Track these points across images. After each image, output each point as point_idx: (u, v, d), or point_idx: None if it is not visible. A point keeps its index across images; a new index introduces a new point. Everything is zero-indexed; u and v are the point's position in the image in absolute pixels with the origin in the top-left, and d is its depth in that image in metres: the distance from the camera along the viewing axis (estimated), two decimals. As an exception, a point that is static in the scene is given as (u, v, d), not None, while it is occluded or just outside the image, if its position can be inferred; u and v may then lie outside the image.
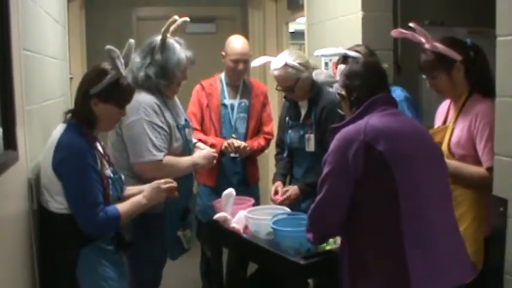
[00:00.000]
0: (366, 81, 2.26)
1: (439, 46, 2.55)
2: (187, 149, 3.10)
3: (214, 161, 3.28)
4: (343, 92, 2.32)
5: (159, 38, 3.01)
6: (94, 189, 2.35)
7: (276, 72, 3.33)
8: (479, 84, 2.56)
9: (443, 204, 2.18)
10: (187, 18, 3.10)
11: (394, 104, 2.29)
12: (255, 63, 3.58)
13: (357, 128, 2.13)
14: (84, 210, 2.33)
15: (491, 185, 2.38)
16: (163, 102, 2.99)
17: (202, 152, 3.21)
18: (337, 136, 2.18)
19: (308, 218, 2.31)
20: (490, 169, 2.43)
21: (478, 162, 2.48)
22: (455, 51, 2.55)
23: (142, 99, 2.90)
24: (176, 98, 3.19)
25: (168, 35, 3.01)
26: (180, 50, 3.01)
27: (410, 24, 2.59)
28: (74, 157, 2.34)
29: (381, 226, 2.11)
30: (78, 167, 2.34)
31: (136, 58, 2.96)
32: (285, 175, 3.66)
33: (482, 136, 2.46)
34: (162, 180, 2.65)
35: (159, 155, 2.88)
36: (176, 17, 3.04)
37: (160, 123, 2.91)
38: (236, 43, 3.94)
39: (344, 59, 3.04)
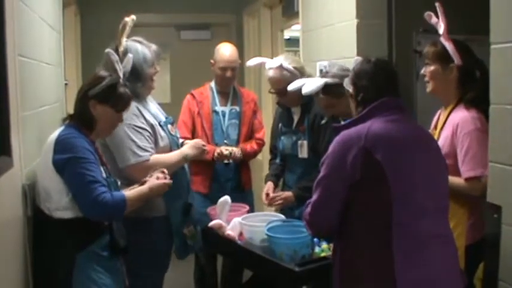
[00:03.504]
0: (374, 82, 2.21)
1: (448, 42, 2.58)
2: (175, 145, 3.09)
3: (205, 149, 3.24)
4: (351, 90, 2.28)
5: (115, 48, 2.90)
6: (93, 170, 2.36)
7: (270, 72, 3.34)
8: (471, 99, 2.57)
9: (438, 215, 2.15)
10: (134, 17, 2.99)
11: (401, 108, 2.23)
12: (250, 62, 3.60)
13: (358, 133, 2.09)
14: (86, 191, 2.33)
15: (474, 195, 2.44)
16: (141, 103, 2.98)
17: (190, 143, 3.18)
18: (337, 138, 2.15)
19: (304, 219, 2.28)
20: (468, 179, 2.46)
21: (458, 172, 2.50)
22: (460, 56, 2.57)
23: None
24: (152, 98, 3.16)
25: (124, 39, 2.96)
26: (143, 47, 2.98)
27: (437, 4, 2.59)
28: (72, 145, 2.36)
29: (372, 236, 2.09)
30: (77, 152, 2.35)
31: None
32: (278, 176, 3.68)
33: (462, 147, 2.48)
34: (159, 171, 2.69)
35: (145, 155, 2.86)
36: (126, 18, 2.95)
37: (141, 125, 2.90)
38: (224, 51, 3.97)
39: None
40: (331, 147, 2.16)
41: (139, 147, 2.85)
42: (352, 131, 2.12)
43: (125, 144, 2.84)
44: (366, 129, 2.08)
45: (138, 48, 2.95)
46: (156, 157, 2.92)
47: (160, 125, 3.01)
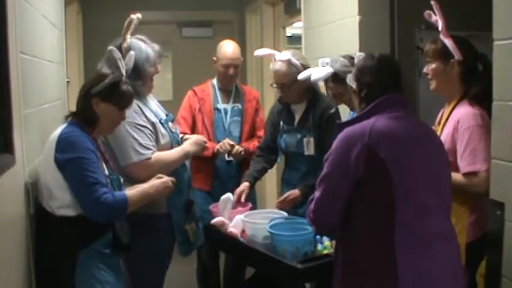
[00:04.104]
0: (378, 78, 2.19)
1: (447, 39, 2.57)
2: (175, 142, 3.09)
3: (206, 145, 3.23)
4: (354, 86, 2.26)
5: (119, 42, 2.93)
6: (95, 171, 2.36)
7: (277, 65, 3.32)
8: (475, 95, 2.57)
9: (441, 213, 2.14)
10: (139, 15, 2.99)
11: (405, 104, 2.22)
12: (259, 52, 3.57)
13: (362, 130, 2.08)
14: (88, 192, 2.33)
15: (474, 191, 2.43)
16: (141, 101, 2.99)
17: (191, 139, 3.17)
18: (341, 135, 2.14)
19: (307, 216, 2.27)
20: (466, 174, 2.45)
21: (459, 168, 2.49)
22: (460, 51, 2.57)
23: None
24: (152, 96, 3.17)
25: (129, 36, 2.95)
26: (146, 46, 2.97)
27: (432, 2, 2.58)
28: (74, 144, 2.36)
29: (374, 234, 2.08)
30: (79, 151, 2.35)
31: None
32: (256, 179, 3.62)
33: (462, 142, 2.48)
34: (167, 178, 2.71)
35: (147, 153, 2.86)
36: (132, 16, 2.93)
37: (142, 123, 2.90)
38: (227, 48, 3.96)
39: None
40: (334, 144, 2.15)
41: (141, 145, 2.85)
42: (356, 127, 2.11)
43: (126, 143, 2.83)
44: (369, 126, 2.08)
45: (142, 46, 2.95)
46: (158, 155, 2.92)
47: (161, 123, 3.01)
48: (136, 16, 2.90)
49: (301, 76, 3.20)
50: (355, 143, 2.06)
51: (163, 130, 3.00)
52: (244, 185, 3.48)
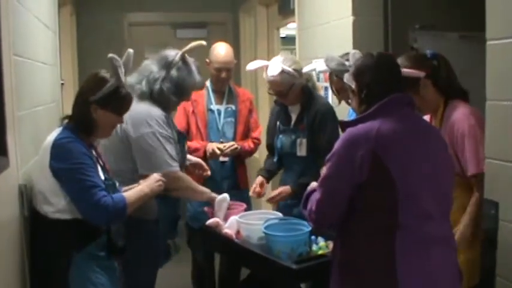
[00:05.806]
0: (378, 78, 2.14)
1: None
2: (182, 161, 3.12)
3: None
4: (354, 87, 2.20)
5: (175, 53, 3.03)
6: (92, 175, 2.35)
7: (271, 78, 3.32)
8: (451, 90, 2.56)
9: (442, 217, 2.12)
10: (204, 42, 3.14)
11: (408, 103, 2.18)
12: (250, 66, 3.56)
13: (367, 133, 2.03)
14: (86, 196, 2.32)
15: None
16: (168, 116, 3.02)
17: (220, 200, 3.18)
18: (344, 137, 2.10)
19: (308, 215, 2.24)
20: (474, 176, 2.42)
21: (460, 175, 2.47)
22: (417, 68, 2.51)
23: (154, 111, 2.93)
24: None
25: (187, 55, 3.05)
26: (196, 73, 3.04)
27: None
28: (70, 150, 2.35)
29: (376, 236, 2.07)
30: (74, 158, 2.34)
31: (152, 67, 3.00)
32: (271, 173, 3.69)
33: (461, 146, 2.45)
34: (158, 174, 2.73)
35: (176, 166, 2.91)
36: (203, 42, 3.10)
37: (171, 135, 2.95)
38: (219, 51, 3.95)
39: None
40: (336, 146, 2.11)
41: (171, 156, 2.91)
42: (360, 130, 2.06)
43: (158, 153, 2.88)
44: (374, 130, 2.03)
45: (194, 71, 3.04)
46: (184, 174, 3.03)
47: (179, 141, 3.07)
48: (200, 43, 3.07)
49: (306, 69, 3.28)
50: (359, 147, 2.02)
51: (178, 148, 3.05)
52: (258, 178, 3.59)
